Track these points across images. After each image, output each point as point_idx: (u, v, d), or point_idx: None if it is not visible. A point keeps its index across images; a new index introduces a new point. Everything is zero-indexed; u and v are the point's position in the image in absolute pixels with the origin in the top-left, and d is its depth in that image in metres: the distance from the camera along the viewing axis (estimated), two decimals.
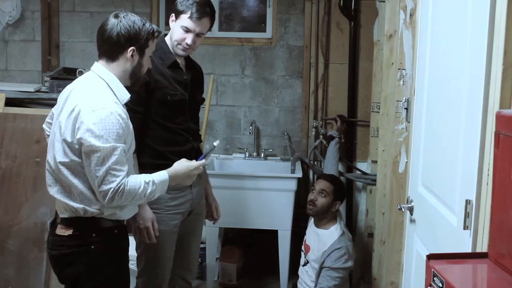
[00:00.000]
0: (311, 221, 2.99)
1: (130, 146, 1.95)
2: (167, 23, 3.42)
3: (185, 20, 2.25)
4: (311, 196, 2.88)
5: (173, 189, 2.31)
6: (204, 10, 2.25)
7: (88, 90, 1.90)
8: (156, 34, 1.99)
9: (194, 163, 2.07)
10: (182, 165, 2.05)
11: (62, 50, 3.93)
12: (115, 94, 1.92)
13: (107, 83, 1.92)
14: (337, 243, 2.74)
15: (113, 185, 1.80)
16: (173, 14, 2.31)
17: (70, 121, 1.83)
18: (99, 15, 3.87)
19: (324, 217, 2.87)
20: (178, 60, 2.37)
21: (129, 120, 1.91)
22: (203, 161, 2.15)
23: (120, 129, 1.82)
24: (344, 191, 3.00)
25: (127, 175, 1.85)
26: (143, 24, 1.94)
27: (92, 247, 1.91)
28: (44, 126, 2.15)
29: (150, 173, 1.95)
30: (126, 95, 1.96)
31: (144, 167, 2.20)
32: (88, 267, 1.92)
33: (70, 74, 3.31)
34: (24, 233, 2.92)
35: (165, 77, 2.28)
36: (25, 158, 2.98)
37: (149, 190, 1.89)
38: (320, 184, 2.90)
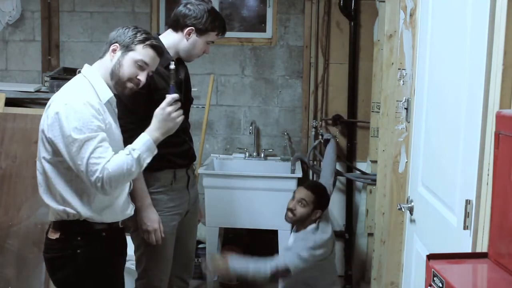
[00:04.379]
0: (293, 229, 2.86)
1: (113, 139, 1.91)
2: (167, 23, 3.43)
3: (213, 36, 2.37)
4: (290, 204, 2.70)
5: (171, 190, 2.33)
6: (226, 26, 2.42)
7: (65, 88, 1.92)
8: (148, 43, 1.95)
9: (162, 103, 1.98)
10: (155, 114, 1.98)
11: (62, 50, 3.92)
12: (96, 93, 1.91)
13: (89, 81, 1.92)
14: (309, 235, 2.60)
15: (97, 174, 1.78)
16: (193, 29, 2.30)
17: (45, 116, 1.86)
18: (99, 15, 3.88)
19: (304, 225, 2.69)
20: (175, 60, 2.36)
21: (106, 114, 1.88)
22: (173, 95, 2.02)
23: (94, 118, 1.80)
24: (326, 199, 2.79)
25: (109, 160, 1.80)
26: (138, 32, 1.96)
27: (78, 251, 1.90)
28: None
29: (155, 174, 1.94)
30: (107, 94, 1.94)
31: (145, 169, 2.19)
32: (76, 271, 1.91)
33: (70, 74, 3.30)
34: (24, 233, 2.92)
35: (163, 78, 2.25)
36: (25, 158, 2.97)
37: (135, 158, 1.85)
38: (300, 193, 2.70)
